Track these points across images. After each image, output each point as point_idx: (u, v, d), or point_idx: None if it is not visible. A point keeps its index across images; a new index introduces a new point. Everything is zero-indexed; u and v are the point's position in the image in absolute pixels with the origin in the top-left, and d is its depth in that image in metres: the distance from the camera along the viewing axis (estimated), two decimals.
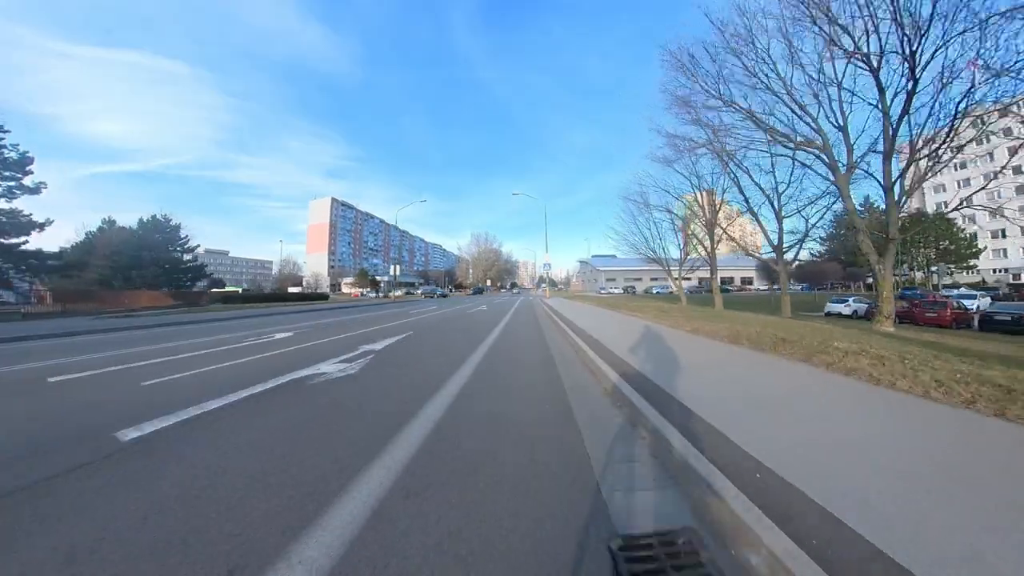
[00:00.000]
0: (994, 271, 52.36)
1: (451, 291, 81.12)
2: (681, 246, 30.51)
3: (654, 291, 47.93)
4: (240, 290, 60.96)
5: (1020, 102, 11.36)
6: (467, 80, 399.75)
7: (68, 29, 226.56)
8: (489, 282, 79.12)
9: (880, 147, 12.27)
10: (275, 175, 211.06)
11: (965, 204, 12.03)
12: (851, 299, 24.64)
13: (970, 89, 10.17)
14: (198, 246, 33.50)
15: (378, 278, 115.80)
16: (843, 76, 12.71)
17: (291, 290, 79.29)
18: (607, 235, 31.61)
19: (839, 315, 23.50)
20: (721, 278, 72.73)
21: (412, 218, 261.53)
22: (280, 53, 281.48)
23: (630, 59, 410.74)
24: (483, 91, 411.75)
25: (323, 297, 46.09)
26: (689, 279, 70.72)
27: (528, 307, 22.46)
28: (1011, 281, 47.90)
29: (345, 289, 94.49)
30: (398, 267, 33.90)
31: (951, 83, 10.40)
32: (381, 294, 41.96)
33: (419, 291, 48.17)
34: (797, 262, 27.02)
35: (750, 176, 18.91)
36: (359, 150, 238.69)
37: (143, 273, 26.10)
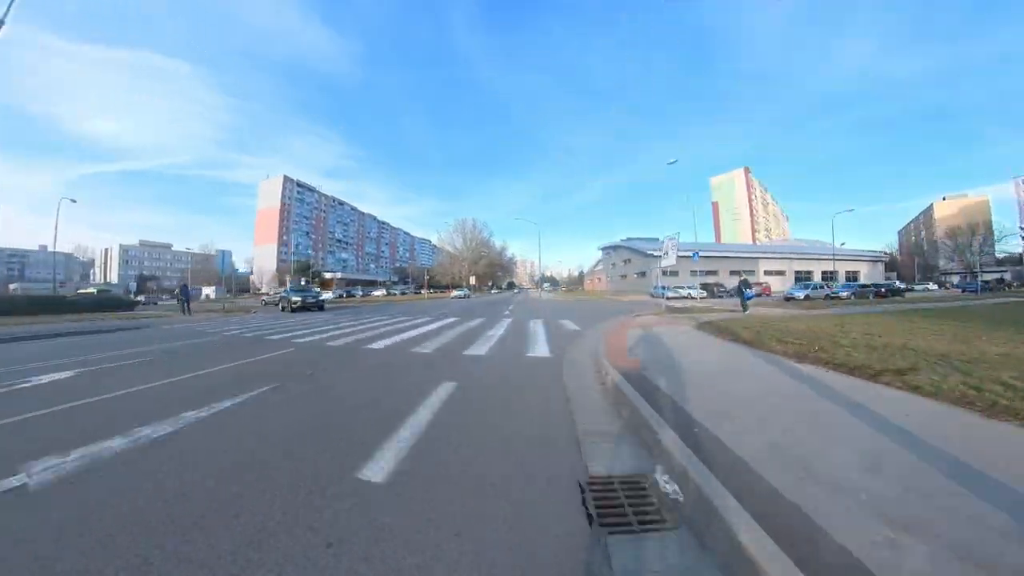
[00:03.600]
0: None
1: (425, 291, 58.42)
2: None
3: (798, 295, 24.41)
4: (95, 291, 42.17)
5: None
6: (467, 80, 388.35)
7: (68, 28, 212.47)
8: (474, 279, 56.17)
9: None
10: (276, 174, 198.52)
11: None
12: None
13: None
14: None
15: (336, 275, 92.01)
16: None
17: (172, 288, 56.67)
18: None
19: None
20: (798, 272, 48.50)
21: (409, 217, 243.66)
22: (281, 53, 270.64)
23: (629, 60, 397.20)
24: (483, 91, 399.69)
25: (128, 306, 22.40)
26: (782, 273, 47.05)
27: None
28: None
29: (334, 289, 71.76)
30: None
31: None
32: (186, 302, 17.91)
33: (278, 296, 24.39)
34: None
35: None
36: (359, 150, 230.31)
37: None
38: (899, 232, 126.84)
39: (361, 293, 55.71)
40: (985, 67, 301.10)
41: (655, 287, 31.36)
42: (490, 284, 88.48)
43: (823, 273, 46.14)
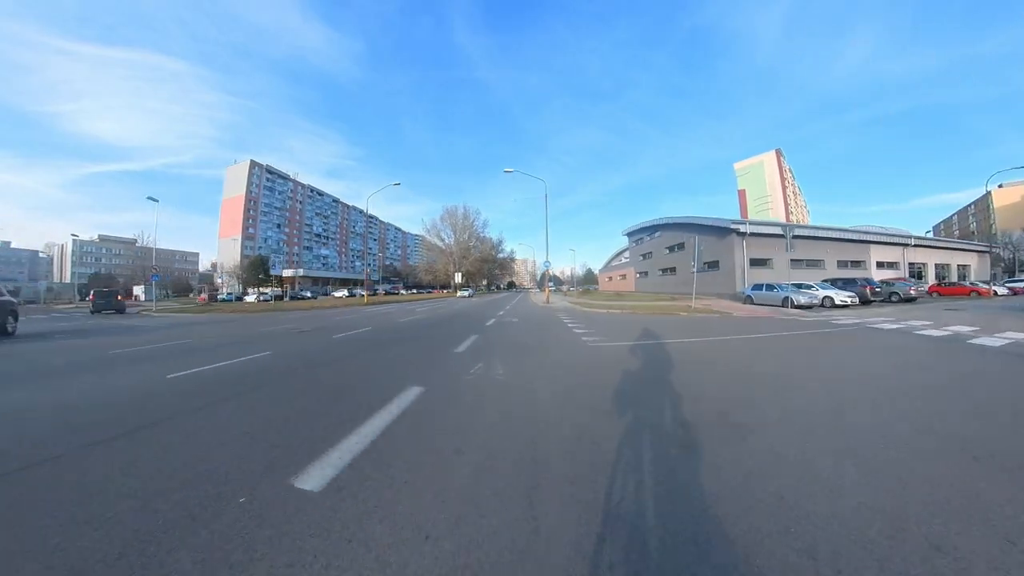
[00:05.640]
0: None
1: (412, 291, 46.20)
2: None
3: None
4: None
5: None
6: (467, 80, 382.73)
7: (67, 26, 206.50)
8: (460, 277, 43.98)
9: None
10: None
11: None
12: None
13: None
14: None
15: (299, 272, 79.25)
16: None
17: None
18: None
19: None
20: (912, 264, 32.37)
21: (408, 217, 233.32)
22: (281, 52, 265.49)
23: (629, 62, 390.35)
24: (483, 91, 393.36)
25: None
26: (894, 266, 32.64)
27: None
28: None
29: (262, 289, 58.71)
30: None
31: None
32: None
33: None
34: None
35: None
36: (359, 150, 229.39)
37: None
38: (934, 227, 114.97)
39: (308, 295, 43.41)
40: (985, 67, 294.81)
41: (753, 285, 18.56)
42: (486, 282, 75.68)
43: (936, 267, 33.57)
